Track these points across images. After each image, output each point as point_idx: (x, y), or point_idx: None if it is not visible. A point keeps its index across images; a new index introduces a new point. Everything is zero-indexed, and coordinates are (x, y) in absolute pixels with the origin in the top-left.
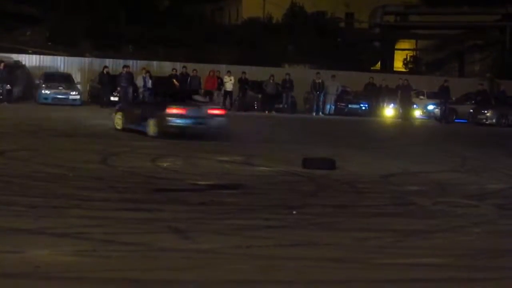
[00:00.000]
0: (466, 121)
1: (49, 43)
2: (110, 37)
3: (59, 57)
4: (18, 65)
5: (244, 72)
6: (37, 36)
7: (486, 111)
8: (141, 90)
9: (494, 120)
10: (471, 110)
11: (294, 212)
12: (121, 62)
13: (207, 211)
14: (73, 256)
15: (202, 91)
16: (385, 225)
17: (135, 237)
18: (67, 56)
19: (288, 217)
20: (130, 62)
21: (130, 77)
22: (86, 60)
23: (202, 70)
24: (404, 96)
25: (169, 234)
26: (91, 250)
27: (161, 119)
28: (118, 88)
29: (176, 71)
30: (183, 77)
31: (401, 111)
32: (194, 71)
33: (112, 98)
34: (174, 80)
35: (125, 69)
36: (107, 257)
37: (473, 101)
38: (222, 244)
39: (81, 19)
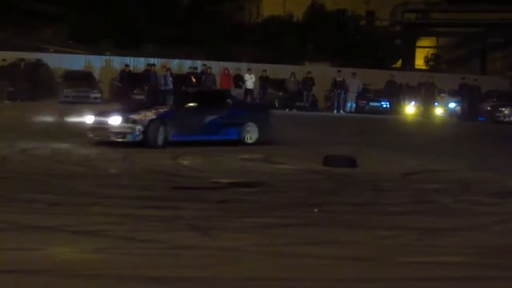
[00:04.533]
0: (484, 118)
1: (70, 42)
2: (130, 35)
3: (80, 56)
4: (39, 63)
5: (264, 70)
6: (58, 34)
7: (504, 109)
8: (162, 88)
9: (511, 118)
10: (489, 108)
11: (316, 210)
12: (141, 60)
13: (227, 209)
14: (93, 253)
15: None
16: (406, 223)
17: (155, 234)
18: (88, 54)
19: (309, 215)
20: (150, 61)
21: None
22: (106, 59)
23: (223, 68)
24: (428, 94)
25: (189, 232)
26: (112, 248)
27: None
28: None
29: (193, 68)
30: (200, 75)
31: (422, 108)
32: (209, 69)
33: (134, 97)
34: (192, 77)
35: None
36: (127, 255)
37: (494, 99)
38: (243, 242)
39: (101, 18)
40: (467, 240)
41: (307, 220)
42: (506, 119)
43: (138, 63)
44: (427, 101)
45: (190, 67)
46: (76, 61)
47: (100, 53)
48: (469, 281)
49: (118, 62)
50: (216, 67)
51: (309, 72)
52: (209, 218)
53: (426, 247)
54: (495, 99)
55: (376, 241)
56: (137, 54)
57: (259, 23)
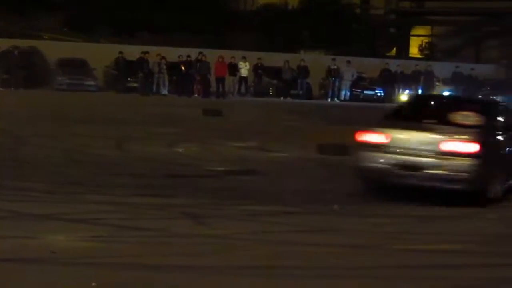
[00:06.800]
0: None
1: (65, 29)
2: (125, 23)
3: (74, 43)
4: (33, 51)
5: (259, 58)
6: (52, 22)
7: (495, 98)
8: (156, 76)
9: None
10: (481, 97)
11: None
12: (136, 48)
13: (222, 197)
14: (89, 241)
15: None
16: (403, 211)
17: (150, 222)
18: (82, 42)
19: (303, 203)
20: (145, 48)
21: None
22: (101, 46)
23: (217, 56)
24: (427, 83)
25: (184, 220)
26: (107, 236)
27: None
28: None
29: (182, 57)
30: (194, 63)
31: None
32: (203, 57)
33: (128, 84)
34: (182, 66)
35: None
36: (122, 243)
37: (488, 88)
38: (238, 229)
39: (96, 5)
40: (463, 228)
41: (302, 208)
42: None
43: (133, 51)
44: (425, 90)
45: (180, 56)
46: (71, 49)
47: (95, 40)
48: (466, 269)
49: (113, 49)
50: (211, 55)
51: (303, 60)
52: (204, 206)
53: (423, 235)
54: (488, 88)
55: (373, 229)
56: (132, 41)
57: (254, 11)
